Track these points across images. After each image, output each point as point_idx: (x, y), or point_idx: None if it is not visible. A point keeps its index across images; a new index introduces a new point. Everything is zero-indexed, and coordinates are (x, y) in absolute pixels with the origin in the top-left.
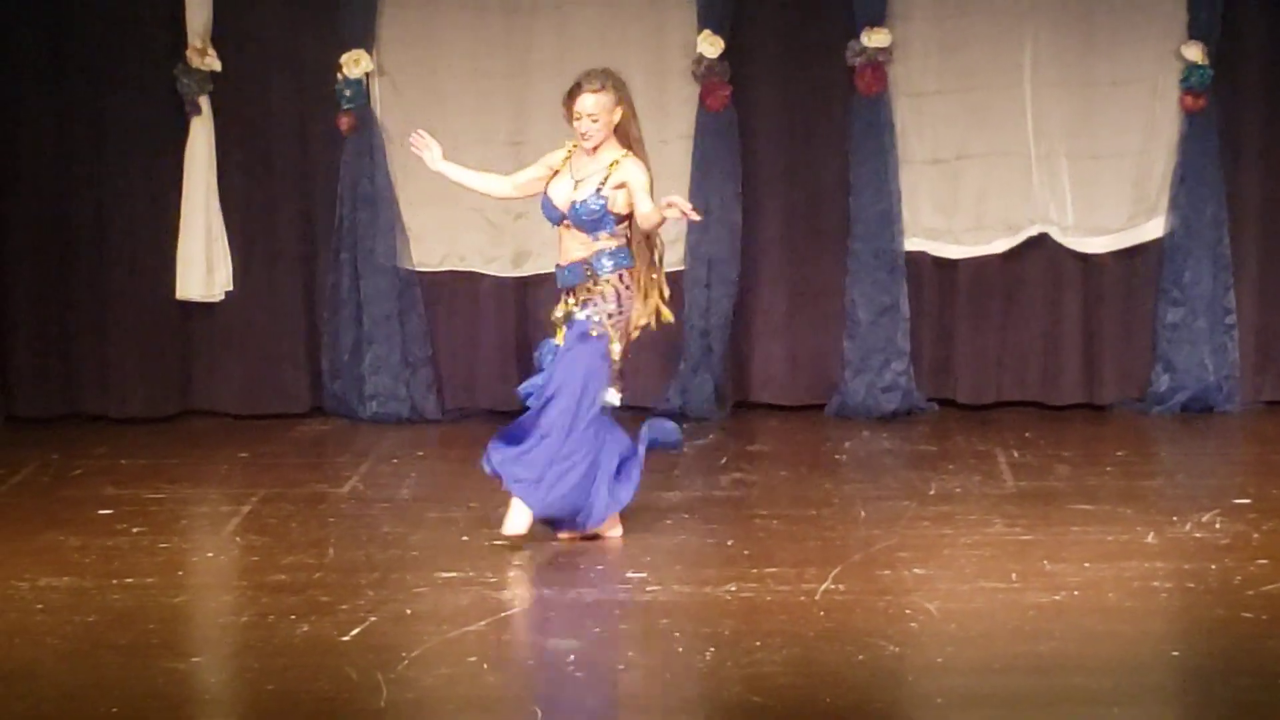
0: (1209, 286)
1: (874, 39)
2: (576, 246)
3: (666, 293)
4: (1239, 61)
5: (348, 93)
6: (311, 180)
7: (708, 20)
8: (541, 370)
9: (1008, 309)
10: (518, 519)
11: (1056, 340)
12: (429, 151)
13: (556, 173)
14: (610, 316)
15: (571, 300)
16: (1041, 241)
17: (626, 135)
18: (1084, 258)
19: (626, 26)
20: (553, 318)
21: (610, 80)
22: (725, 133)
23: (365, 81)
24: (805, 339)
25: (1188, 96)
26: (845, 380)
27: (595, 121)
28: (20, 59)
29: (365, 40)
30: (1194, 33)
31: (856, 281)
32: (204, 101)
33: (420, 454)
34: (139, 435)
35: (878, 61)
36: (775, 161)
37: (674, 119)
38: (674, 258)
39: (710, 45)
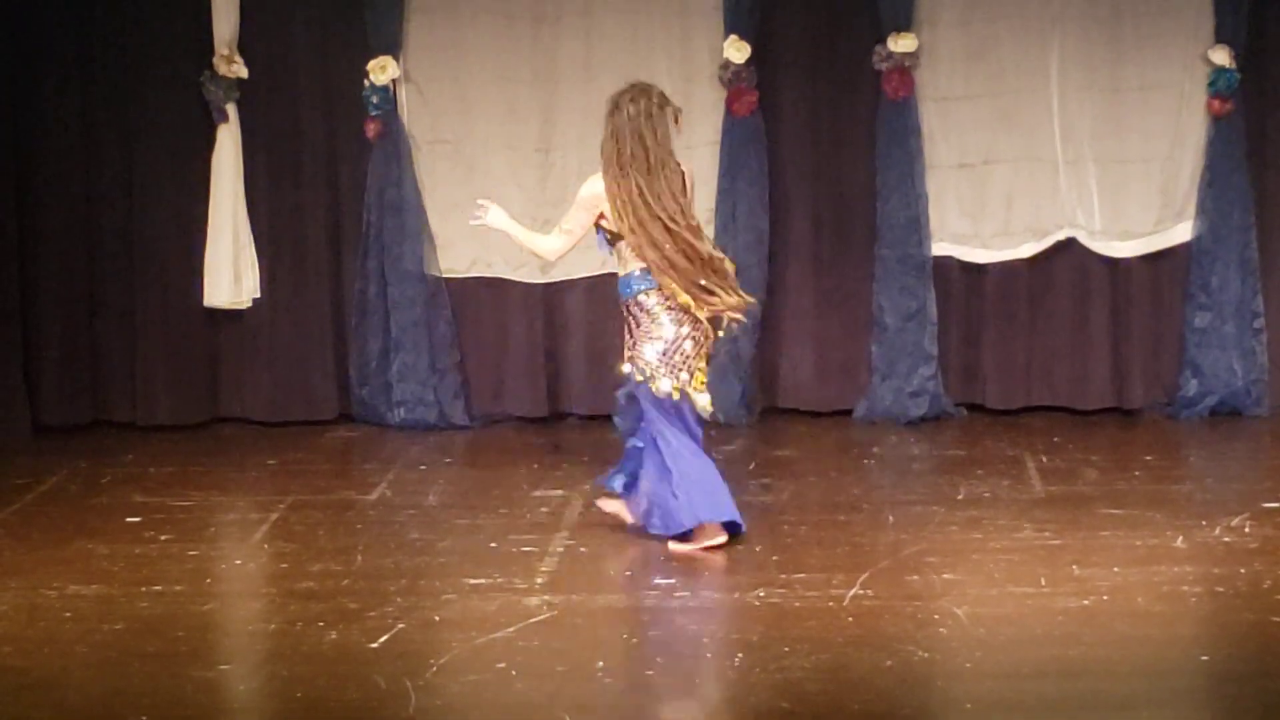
0: (1236, 290)
1: (900, 44)
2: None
3: (717, 300)
4: (1266, 65)
5: (374, 99)
6: (339, 187)
7: (734, 26)
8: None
9: (1035, 314)
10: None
11: (1084, 345)
12: (490, 215)
13: None
14: (663, 355)
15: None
16: (1069, 246)
17: (611, 159)
18: (1111, 262)
19: (653, 32)
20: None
21: (610, 103)
22: (752, 138)
23: (392, 88)
24: (833, 344)
25: (1215, 101)
26: (873, 385)
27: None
28: (48, 68)
29: (392, 47)
30: (1221, 37)
31: (884, 287)
32: (231, 109)
33: (448, 460)
34: (167, 443)
35: (904, 66)
36: (802, 167)
37: (700, 125)
38: None
39: (737, 50)
